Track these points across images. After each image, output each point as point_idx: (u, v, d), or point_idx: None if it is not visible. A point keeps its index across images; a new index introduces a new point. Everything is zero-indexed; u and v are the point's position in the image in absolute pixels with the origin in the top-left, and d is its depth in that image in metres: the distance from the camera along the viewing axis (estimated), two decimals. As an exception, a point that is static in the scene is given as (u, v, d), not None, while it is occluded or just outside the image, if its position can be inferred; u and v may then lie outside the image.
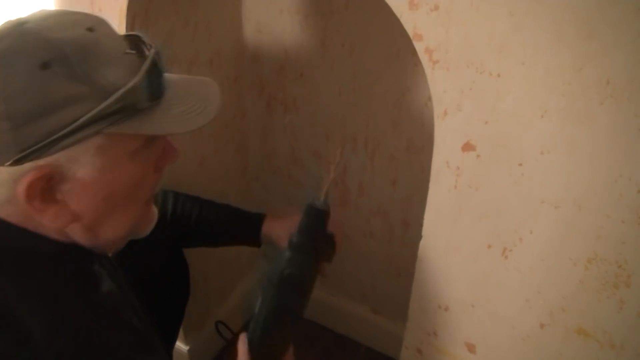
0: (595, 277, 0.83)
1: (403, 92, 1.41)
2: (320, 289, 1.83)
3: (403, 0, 0.77)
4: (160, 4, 1.24)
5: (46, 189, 0.64)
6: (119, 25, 1.15)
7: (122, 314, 0.79)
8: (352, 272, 1.83)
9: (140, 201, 0.75)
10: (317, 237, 0.97)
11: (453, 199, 0.89)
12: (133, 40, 0.69)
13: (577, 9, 0.66)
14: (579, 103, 0.71)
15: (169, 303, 1.18)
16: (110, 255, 0.83)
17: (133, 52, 0.67)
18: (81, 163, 0.63)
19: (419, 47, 0.79)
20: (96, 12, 1.19)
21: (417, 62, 1.33)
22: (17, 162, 0.59)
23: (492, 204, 0.86)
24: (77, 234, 0.71)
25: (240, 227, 1.24)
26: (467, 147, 0.83)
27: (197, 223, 1.22)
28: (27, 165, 0.60)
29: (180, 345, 1.76)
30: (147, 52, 0.68)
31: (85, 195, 0.67)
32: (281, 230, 1.14)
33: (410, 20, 0.78)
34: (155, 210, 0.82)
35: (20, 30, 0.61)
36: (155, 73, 0.68)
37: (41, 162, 0.61)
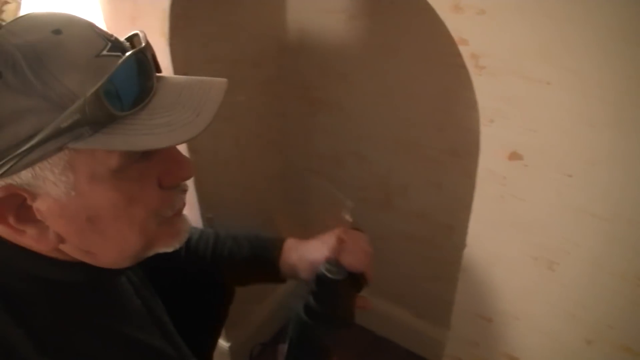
0: (646, 295, 0.79)
1: (448, 94, 1.37)
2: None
3: (447, 4, 0.75)
4: (202, 6, 1.24)
5: (19, 208, 0.59)
6: (162, 28, 1.15)
7: (143, 334, 0.76)
8: (393, 275, 1.80)
9: (142, 222, 0.66)
10: (333, 306, 0.93)
11: (498, 208, 0.87)
12: (116, 43, 0.61)
13: (628, 18, 0.63)
14: (629, 114, 0.68)
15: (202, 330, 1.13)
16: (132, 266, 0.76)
17: (112, 54, 0.59)
18: (51, 181, 0.57)
19: (464, 52, 0.77)
20: (137, 16, 1.19)
21: (462, 64, 1.30)
22: None
23: (538, 215, 0.83)
24: (74, 253, 0.66)
25: (256, 264, 1.08)
26: (514, 156, 0.80)
27: (212, 266, 1.10)
28: None
29: (222, 342, 1.76)
30: (128, 53, 0.60)
31: (65, 216, 0.61)
32: (302, 259, 1.01)
33: (454, 24, 0.76)
34: (183, 227, 0.74)
35: None
36: (131, 77, 0.59)
37: (9, 180, 0.56)
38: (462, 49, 0.77)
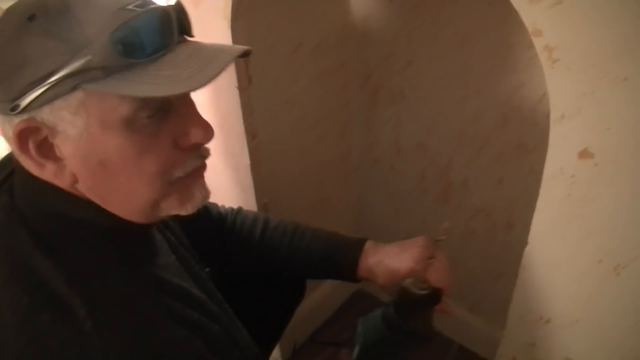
0: None
1: (515, 87, 1.33)
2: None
3: (524, -6, 0.72)
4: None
5: (42, 143, 0.64)
6: (224, 10, 1.15)
7: (175, 278, 0.77)
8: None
9: (151, 175, 0.68)
10: (415, 321, 0.92)
11: (565, 208, 0.84)
12: (148, 1, 0.64)
13: None
14: None
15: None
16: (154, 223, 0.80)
17: (137, 8, 0.62)
18: (68, 120, 0.62)
19: (537, 43, 0.74)
20: None
21: (532, 57, 1.26)
22: (12, 110, 0.61)
23: (607, 217, 0.80)
24: (90, 196, 0.70)
25: (333, 261, 1.06)
26: (585, 154, 0.77)
27: (287, 258, 1.09)
28: (17, 117, 0.62)
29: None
30: (154, 6, 0.64)
31: (78, 156, 0.65)
32: (380, 263, 1.00)
33: (530, 14, 0.73)
34: (198, 192, 0.74)
35: None
36: (148, 31, 0.62)
37: (29, 114, 0.62)
38: (536, 40, 0.74)
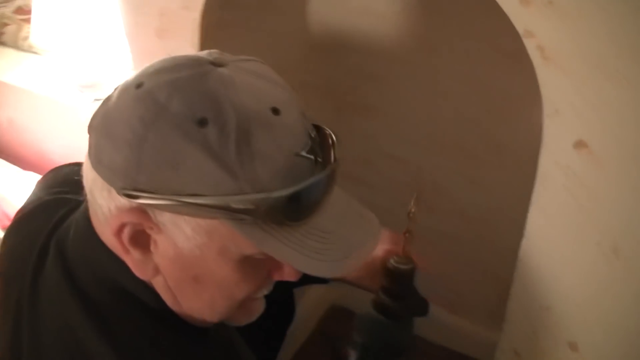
0: None
1: (484, 90, 1.39)
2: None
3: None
4: (233, 13, 1.24)
5: (142, 233, 0.60)
6: (192, 39, 1.15)
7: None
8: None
9: (236, 299, 0.67)
10: (409, 298, 0.94)
11: (561, 198, 0.88)
12: (319, 141, 0.60)
13: None
14: None
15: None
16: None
17: (309, 156, 0.57)
18: (185, 235, 0.58)
19: (529, 44, 0.78)
20: (165, 29, 1.18)
21: (498, 62, 1.32)
22: (127, 195, 0.55)
23: (604, 202, 0.84)
24: (160, 290, 0.66)
25: None
26: (580, 144, 0.81)
27: None
28: (135, 204, 0.56)
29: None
30: (322, 161, 0.59)
31: (177, 263, 0.62)
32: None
33: (520, 16, 0.77)
34: (258, 308, 0.74)
35: (207, 72, 0.57)
36: (316, 192, 0.58)
37: (148, 210, 0.57)
38: (527, 41, 0.78)
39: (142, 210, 0.57)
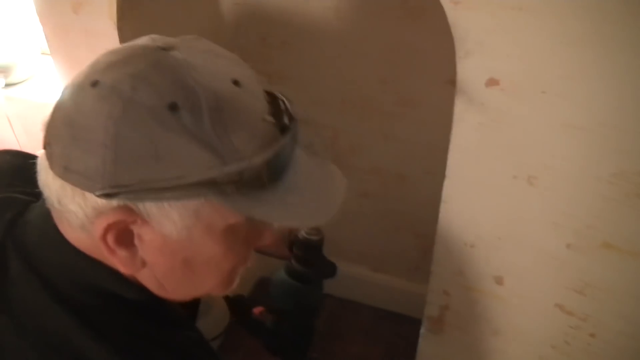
0: (618, 190, 0.88)
1: (391, 47, 1.43)
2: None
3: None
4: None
5: (125, 231, 0.59)
6: (110, 11, 1.13)
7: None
8: (349, 234, 1.85)
9: (224, 272, 0.68)
10: (319, 264, 0.99)
11: (477, 135, 0.93)
12: (275, 104, 0.62)
13: None
14: (601, 27, 0.75)
15: None
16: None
17: (272, 120, 0.59)
18: (172, 220, 0.58)
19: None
20: (81, 2, 1.15)
21: (403, 16, 1.36)
22: (107, 195, 0.54)
23: (517, 135, 0.90)
24: (146, 281, 0.66)
25: None
26: (491, 82, 0.86)
27: None
28: (115, 203, 0.55)
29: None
30: (286, 123, 0.61)
31: (165, 252, 0.61)
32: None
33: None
34: (237, 280, 0.74)
35: (161, 58, 0.57)
36: (286, 152, 0.60)
37: (131, 204, 0.56)
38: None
39: (125, 207, 0.56)
